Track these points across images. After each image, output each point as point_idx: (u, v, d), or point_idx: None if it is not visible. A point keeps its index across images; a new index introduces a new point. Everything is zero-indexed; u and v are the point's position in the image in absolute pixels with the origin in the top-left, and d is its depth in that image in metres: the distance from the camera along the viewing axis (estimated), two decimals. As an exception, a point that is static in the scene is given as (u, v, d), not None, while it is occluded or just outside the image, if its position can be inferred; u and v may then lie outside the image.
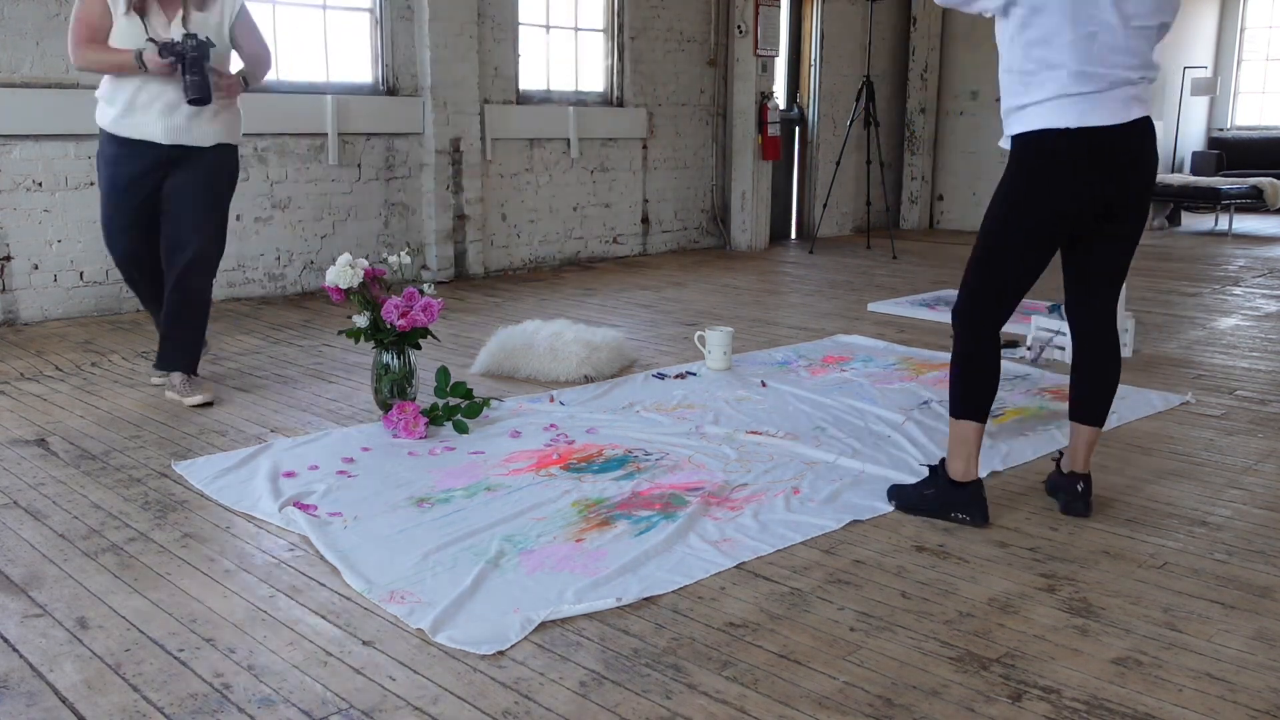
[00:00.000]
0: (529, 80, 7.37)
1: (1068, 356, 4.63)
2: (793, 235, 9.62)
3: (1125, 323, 4.78)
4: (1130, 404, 3.94)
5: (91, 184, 5.31)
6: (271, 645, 2.10)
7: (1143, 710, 1.90)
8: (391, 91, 6.56)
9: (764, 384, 4.18)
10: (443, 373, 3.71)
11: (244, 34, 3.76)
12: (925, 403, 3.92)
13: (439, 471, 3.13)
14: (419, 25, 6.56)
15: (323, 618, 2.22)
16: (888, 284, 6.95)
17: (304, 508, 2.80)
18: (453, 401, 3.62)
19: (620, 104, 7.94)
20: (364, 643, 2.11)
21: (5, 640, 2.10)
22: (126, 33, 3.56)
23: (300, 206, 6.18)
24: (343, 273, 3.49)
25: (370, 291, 3.57)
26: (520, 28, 7.21)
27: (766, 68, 8.60)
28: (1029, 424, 3.67)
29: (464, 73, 6.73)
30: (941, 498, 2.79)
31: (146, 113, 3.63)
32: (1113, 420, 3.71)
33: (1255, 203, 10.09)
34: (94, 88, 5.23)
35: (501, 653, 2.06)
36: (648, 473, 3.12)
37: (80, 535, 2.63)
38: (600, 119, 7.74)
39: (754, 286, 6.84)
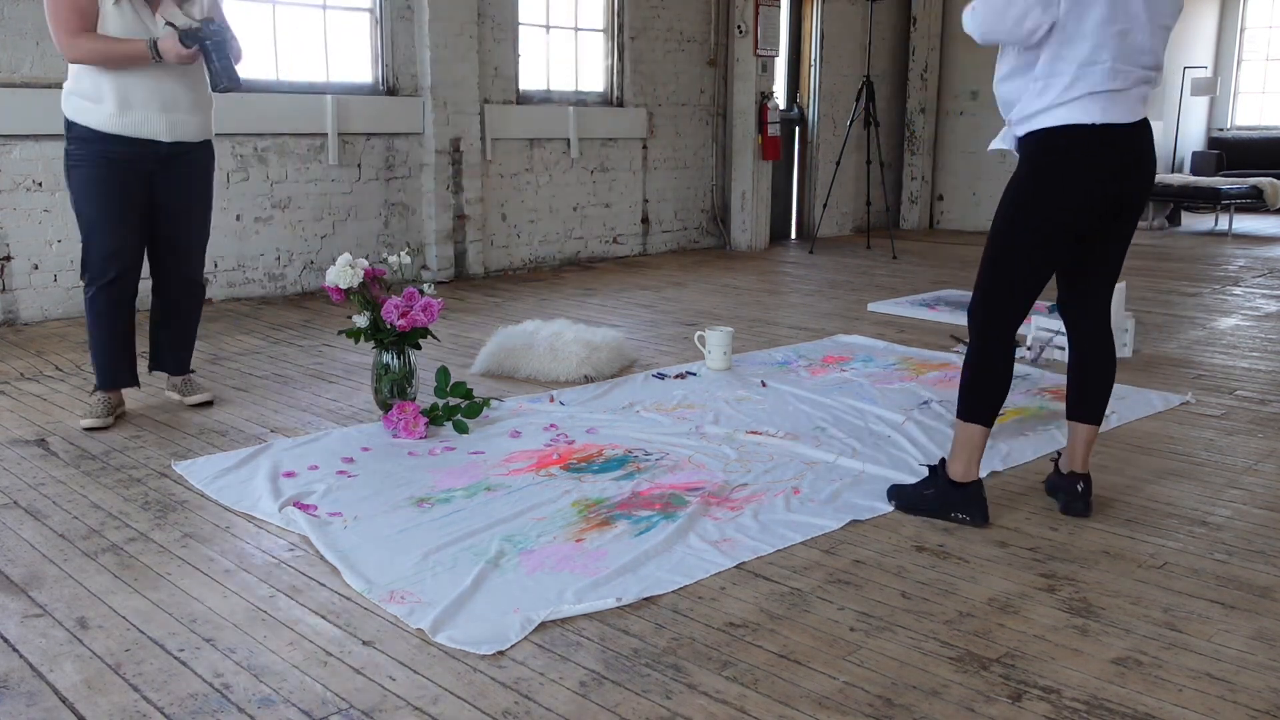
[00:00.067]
0: (529, 80, 7.37)
1: (1068, 356, 4.63)
2: (793, 235, 9.62)
3: (1125, 323, 4.78)
4: (1130, 404, 3.94)
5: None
6: (271, 645, 2.10)
7: (1143, 710, 1.90)
8: (391, 91, 6.56)
9: (764, 384, 4.18)
10: (443, 373, 3.71)
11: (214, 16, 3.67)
12: (925, 403, 3.92)
13: (439, 471, 3.13)
14: (419, 25, 6.56)
15: (323, 618, 2.22)
16: (888, 284, 6.95)
17: (304, 508, 2.80)
18: (453, 401, 3.62)
19: (620, 104, 7.94)
20: (364, 643, 2.11)
21: (5, 640, 2.10)
22: (117, 23, 3.35)
23: (300, 206, 6.18)
24: (343, 273, 3.49)
25: (370, 291, 3.57)
26: (520, 28, 7.21)
27: (766, 68, 8.60)
28: (1029, 424, 3.67)
29: (464, 73, 6.73)
30: (941, 498, 2.79)
31: (147, 109, 3.45)
32: (1113, 420, 3.71)
33: (1255, 203, 10.09)
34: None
35: (501, 653, 2.06)
36: (648, 473, 3.12)
37: (80, 535, 2.63)
38: (600, 119, 7.75)
39: (754, 286, 6.84)
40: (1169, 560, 2.56)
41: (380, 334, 3.55)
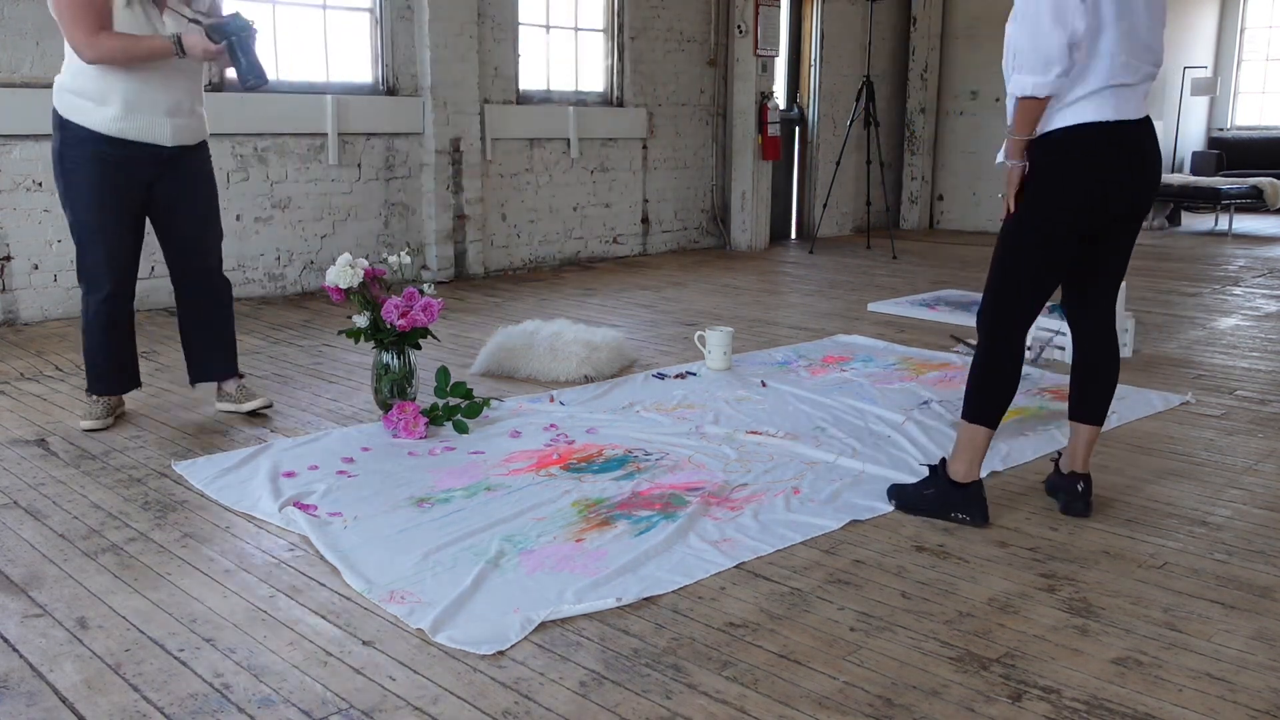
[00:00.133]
0: (529, 80, 7.37)
1: (1068, 356, 4.63)
2: (793, 235, 9.62)
3: (1125, 323, 4.78)
4: (1130, 404, 3.94)
5: (91, 184, 5.30)
6: (271, 645, 2.10)
7: (1143, 710, 1.90)
8: (391, 91, 6.56)
9: (764, 384, 4.18)
10: (443, 373, 3.71)
11: (216, 13, 3.61)
12: (925, 403, 3.92)
13: (439, 471, 3.13)
14: (419, 25, 6.56)
15: (323, 618, 2.22)
16: (888, 284, 6.95)
17: (304, 508, 2.80)
18: (453, 401, 3.62)
19: (620, 104, 7.94)
20: (364, 643, 2.11)
21: (5, 640, 2.10)
22: (127, 23, 3.26)
23: (300, 206, 6.18)
24: (343, 273, 3.49)
25: (370, 291, 3.57)
26: (520, 28, 7.21)
27: (766, 68, 8.60)
28: (1029, 424, 3.67)
29: (464, 73, 6.73)
30: (942, 498, 2.79)
31: (153, 113, 3.35)
32: (1113, 420, 3.71)
33: (1255, 203, 10.09)
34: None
35: (501, 653, 2.06)
36: (648, 473, 3.12)
37: (80, 535, 2.63)
38: (600, 119, 7.75)
39: (754, 286, 6.84)
40: (1169, 560, 2.56)
41: (380, 334, 3.55)
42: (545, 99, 7.48)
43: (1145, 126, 2.64)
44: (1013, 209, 2.71)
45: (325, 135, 6.18)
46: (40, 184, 5.18)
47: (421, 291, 3.60)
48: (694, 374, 4.35)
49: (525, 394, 4.04)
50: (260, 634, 2.14)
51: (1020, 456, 3.32)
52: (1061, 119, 2.58)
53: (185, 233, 3.58)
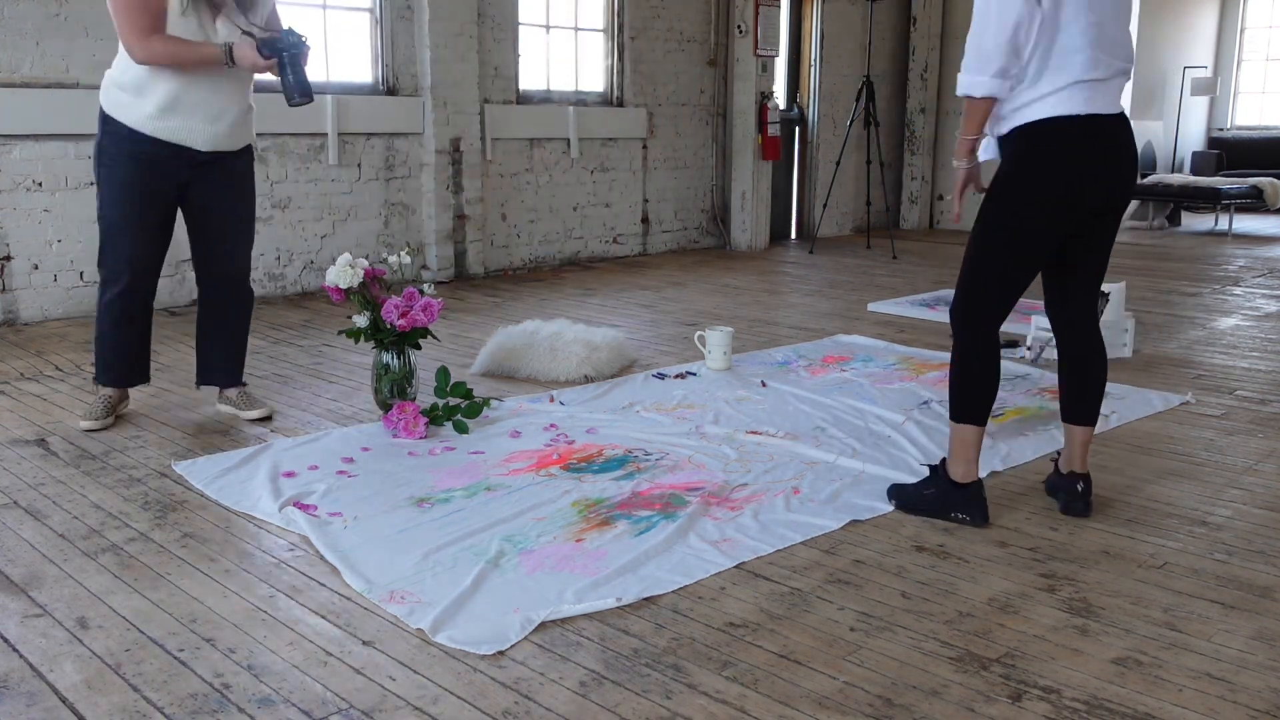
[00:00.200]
0: (529, 80, 7.37)
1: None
2: (793, 235, 9.62)
3: (1125, 323, 4.78)
4: (1130, 404, 3.94)
5: (91, 184, 5.30)
6: (271, 645, 2.10)
7: (1143, 710, 1.90)
8: (391, 91, 6.56)
9: (764, 384, 4.18)
10: (443, 373, 3.71)
11: (273, 26, 3.54)
12: (925, 403, 3.92)
13: (439, 471, 3.13)
14: (419, 25, 6.56)
15: (323, 618, 2.22)
16: (888, 284, 6.95)
17: (304, 508, 2.80)
18: (453, 401, 3.62)
19: (620, 104, 7.94)
20: (364, 643, 2.11)
21: (5, 640, 2.10)
22: (181, 29, 3.24)
23: (300, 206, 6.19)
24: (343, 273, 3.49)
25: (370, 291, 3.57)
26: (520, 28, 7.21)
27: (766, 68, 8.60)
28: (1029, 424, 3.67)
29: (464, 73, 6.73)
30: (942, 498, 2.79)
31: (190, 117, 3.32)
32: (1113, 420, 3.71)
33: (1255, 203, 10.09)
34: (94, 87, 5.25)
35: (501, 653, 2.06)
36: (648, 473, 3.12)
37: (80, 535, 2.63)
38: (600, 119, 7.75)
39: (754, 286, 6.84)
40: (1169, 560, 2.56)
41: (380, 334, 3.55)
42: (545, 99, 7.49)
43: (1120, 122, 2.63)
44: (958, 211, 2.73)
45: (325, 135, 6.18)
46: (40, 184, 5.18)
47: (421, 291, 3.60)
48: (694, 374, 4.35)
49: (525, 394, 4.04)
50: (260, 634, 2.14)
51: (1020, 456, 3.32)
52: (1033, 112, 2.57)
53: (216, 237, 3.56)
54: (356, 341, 3.61)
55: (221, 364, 3.70)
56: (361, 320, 3.56)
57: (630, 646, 2.10)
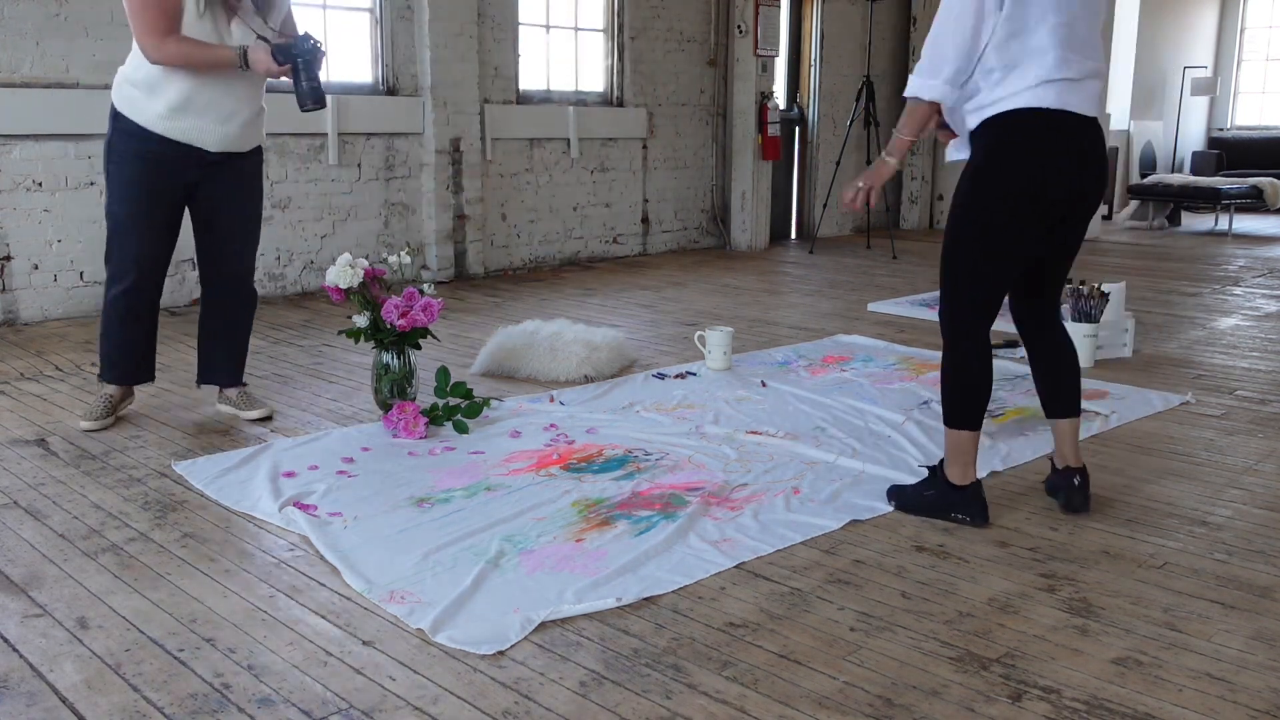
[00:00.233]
0: (529, 80, 7.37)
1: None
2: (793, 235, 9.62)
3: (1125, 323, 4.78)
4: (1130, 404, 3.94)
5: (92, 184, 5.31)
6: (271, 645, 2.10)
7: (1143, 710, 1.90)
8: (391, 91, 6.56)
9: (764, 384, 4.18)
10: (443, 373, 3.71)
11: (288, 30, 3.51)
12: (925, 403, 3.92)
13: (439, 471, 3.13)
14: (419, 25, 6.56)
15: (323, 618, 2.22)
16: (888, 284, 6.95)
17: (304, 508, 2.80)
18: (453, 401, 3.62)
19: (620, 104, 7.94)
20: (364, 643, 2.11)
21: (5, 640, 2.10)
22: (197, 32, 3.24)
23: (300, 206, 6.19)
24: (343, 273, 3.49)
25: (370, 291, 3.57)
26: (520, 28, 7.21)
27: (766, 68, 8.60)
28: (1029, 424, 3.66)
29: (464, 73, 6.73)
30: (941, 499, 2.79)
31: (201, 118, 3.32)
32: (1113, 420, 3.71)
33: (1255, 203, 10.10)
34: (94, 87, 5.28)
35: (501, 653, 2.06)
36: (648, 473, 3.12)
37: (80, 535, 2.63)
38: (600, 119, 7.75)
39: (754, 286, 6.84)
40: (1169, 560, 2.56)
41: (380, 334, 3.55)
42: (545, 99, 7.49)
43: (1090, 125, 2.62)
44: (856, 202, 2.81)
45: (325, 135, 6.18)
46: (40, 184, 5.18)
47: (421, 291, 3.60)
48: (694, 374, 4.35)
49: (525, 394, 4.04)
50: (260, 634, 2.14)
51: (1020, 456, 3.32)
52: (1002, 106, 2.57)
53: (222, 237, 3.56)
54: (356, 341, 3.61)
55: (223, 364, 3.70)
56: (361, 320, 3.56)
57: (630, 646, 2.10)
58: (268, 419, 3.65)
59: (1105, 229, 10.45)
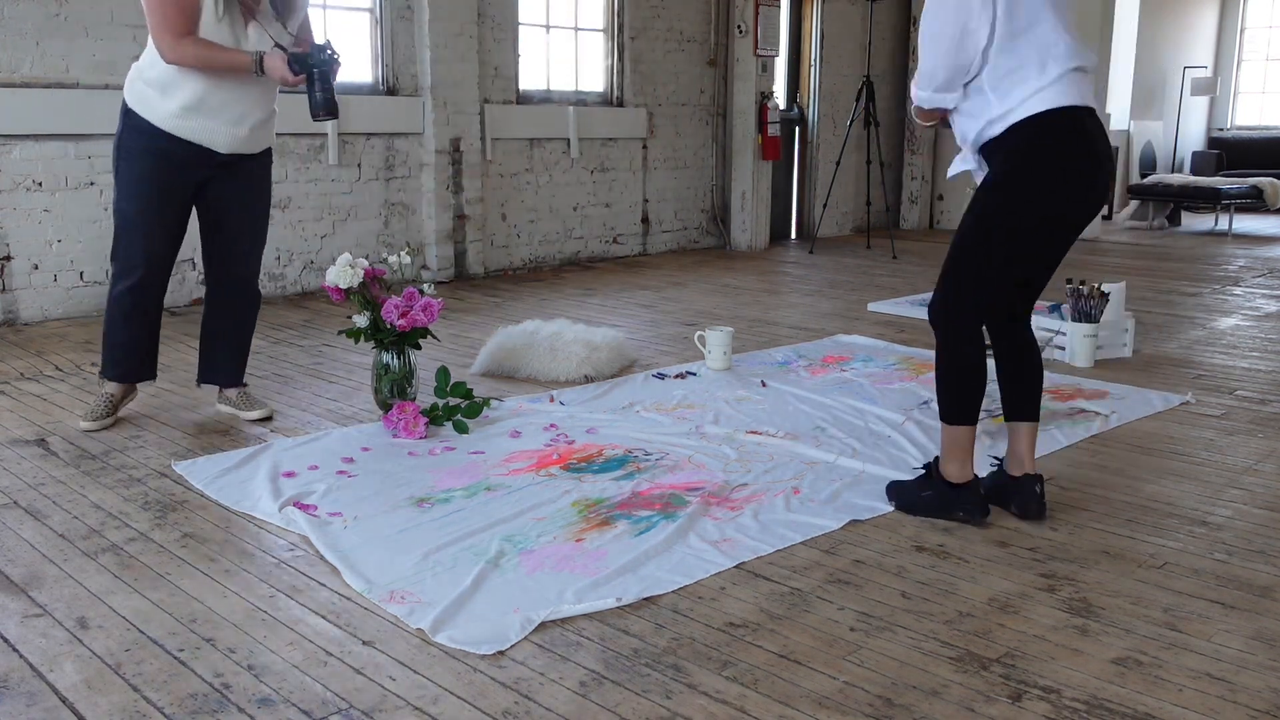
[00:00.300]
0: (529, 80, 7.37)
1: (1067, 356, 4.64)
2: (793, 235, 9.62)
3: (1125, 323, 4.78)
4: (1130, 404, 3.94)
5: (92, 184, 5.31)
6: (271, 645, 2.10)
7: (1143, 710, 1.90)
8: (391, 91, 6.56)
9: (764, 384, 4.18)
10: (443, 373, 3.71)
11: (305, 36, 3.56)
12: (925, 403, 3.92)
13: (439, 471, 3.13)
14: (419, 25, 6.56)
15: (323, 618, 2.22)
16: (888, 284, 6.95)
17: (304, 508, 2.80)
18: (453, 401, 3.62)
19: (620, 104, 7.94)
20: (364, 643, 2.11)
21: (5, 640, 2.10)
22: (214, 35, 3.24)
23: (300, 206, 6.19)
24: (343, 273, 3.49)
25: (370, 291, 3.57)
26: (520, 28, 7.21)
27: (766, 68, 8.60)
28: (1029, 424, 3.66)
29: (464, 73, 6.73)
30: (939, 499, 2.78)
31: (213, 119, 3.32)
32: (1113, 420, 3.71)
33: (1255, 203, 10.10)
34: (94, 87, 5.28)
35: (501, 653, 2.06)
36: (648, 473, 3.12)
37: (80, 535, 2.63)
38: (600, 119, 7.75)
39: (754, 286, 6.84)
40: (1169, 560, 2.56)
41: (380, 334, 3.55)
42: (545, 99, 7.49)
43: (1096, 118, 2.60)
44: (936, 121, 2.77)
45: (325, 135, 6.18)
46: (40, 184, 5.18)
47: (421, 291, 3.60)
48: (694, 374, 4.35)
49: (525, 394, 4.04)
50: (260, 634, 2.14)
51: (1020, 456, 3.31)
52: (1026, 109, 2.52)
53: (229, 237, 3.57)
54: (356, 341, 3.61)
55: (225, 364, 3.70)
56: (361, 320, 3.56)
57: (630, 646, 2.10)
58: (268, 419, 3.65)
59: (1105, 229, 10.45)
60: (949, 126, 2.76)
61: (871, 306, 6.04)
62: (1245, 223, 10.85)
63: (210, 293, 3.68)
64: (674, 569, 2.45)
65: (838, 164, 8.90)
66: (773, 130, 8.55)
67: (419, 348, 3.64)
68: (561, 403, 3.91)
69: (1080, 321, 4.58)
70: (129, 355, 3.55)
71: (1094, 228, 9.67)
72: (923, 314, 5.74)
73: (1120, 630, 2.20)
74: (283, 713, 1.86)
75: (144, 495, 2.92)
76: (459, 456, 3.27)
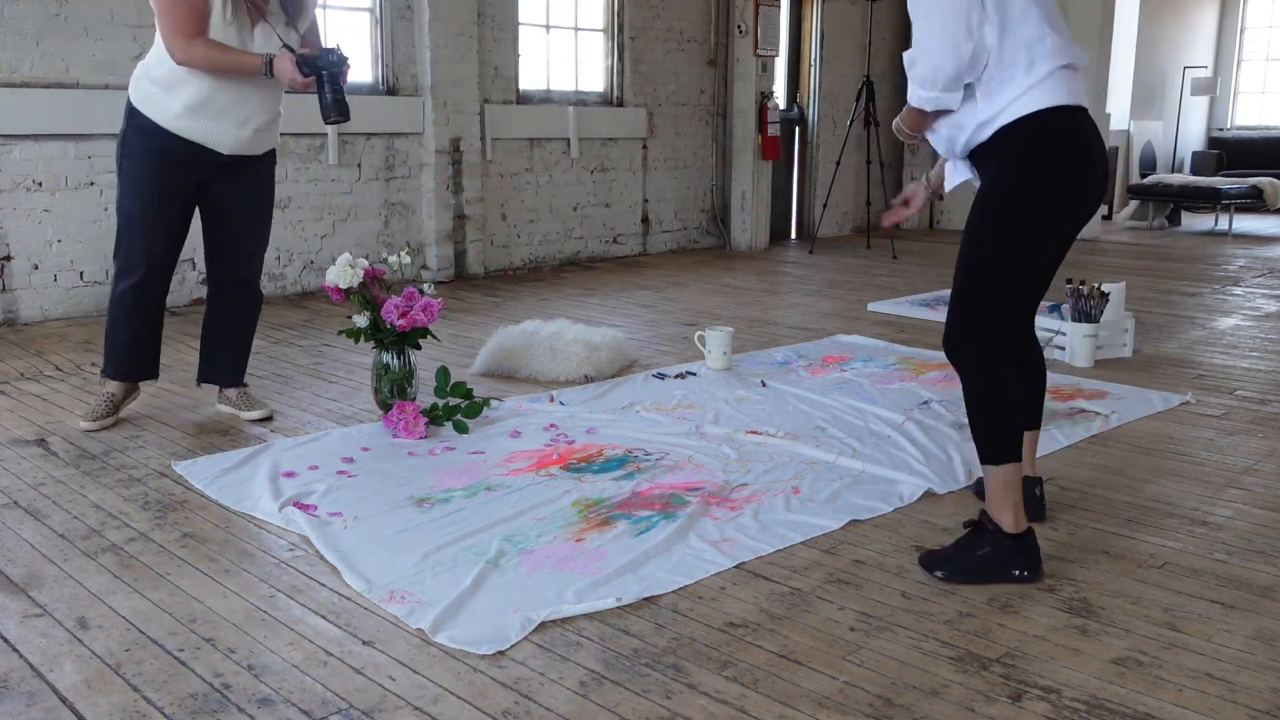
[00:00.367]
0: (529, 80, 7.37)
1: (1067, 356, 4.64)
2: (793, 235, 9.62)
3: (1125, 323, 4.78)
4: (1130, 404, 3.94)
5: (92, 184, 5.31)
6: (271, 645, 2.10)
7: (1143, 710, 1.90)
8: (391, 91, 6.56)
9: (764, 384, 4.18)
10: (443, 373, 3.71)
11: (311, 38, 3.56)
12: (925, 403, 3.92)
13: (439, 471, 3.13)
14: (419, 25, 6.56)
15: (323, 618, 2.22)
16: (888, 284, 6.95)
17: (304, 508, 2.80)
18: (453, 401, 3.62)
19: (620, 104, 7.94)
20: (364, 643, 2.11)
21: (5, 640, 2.10)
22: (223, 37, 3.24)
23: (300, 206, 6.19)
24: (343, 273, 3.49)
25: (370, 291, 3.57)
26: (520, 28, 7.21)
27: (766, 68, 8.60)
28: (1029, 424, 3.66)
29: (464, 73, 6.73)
30: (1001, 555, 2.41)
31: (219, 120, 3.32)
32: (1113, 420, 3.71)
33: (1255, 203, 10.09)
34: (94, 87, 5.28)
35: (501, 653, 2.06)
36: (648, 473, 3.12)
37: (80, 535, 2.63)
38: (600, 119, 7.75)
39: (754, 286, 6.84)
40: (1169, 560, 2.56)
41: (380, 334, 3.55)
42: (545, 99, 7.49)
43: (1088, 117, 2.48)
44: (909, 212, 2.76)
45: (325, 135, 6.18)
46: (40, 184, 5.18)
47: (421, 291, 3.60)
48: (694, 374, 4.35)
49: (525, 394, 4.04)
50: (260, 634, 2.14)
51: (1020, 456, 3.31)
52: (1017, 109, 2.38)
53: (231, 238, 3.57)
54: (356, 341, 3.61)
55: (226, 364, 3.70)
56: (361, 320, 3.56)
57: (630, 646, 2.10)
58: (268, 419, 3.66)
59: (1105, 229, 10.45)
60: (925, 140, 2.62)
61: (871, 306, 6.04)
62: (1245, 223, 10.85)
63: (211, 293, 3.68)
64: (674, 569, 2.45)
65: (838, 164, 8.89)
66: (773, 130, 8.55)
67: (419, 348, 3.64)
68: (561, 403, 3.91)
69: (1080, 321, 4.58)
70: (131, 354, 3.55)
71: (1094, 228, 9.68)
72: (923, 314, 5.77)
73: (1120, 630, 2.20)
74: (283, 713, 1.86)
75: (144, 495, 2.92)
76: (459, 456, 3.27)
